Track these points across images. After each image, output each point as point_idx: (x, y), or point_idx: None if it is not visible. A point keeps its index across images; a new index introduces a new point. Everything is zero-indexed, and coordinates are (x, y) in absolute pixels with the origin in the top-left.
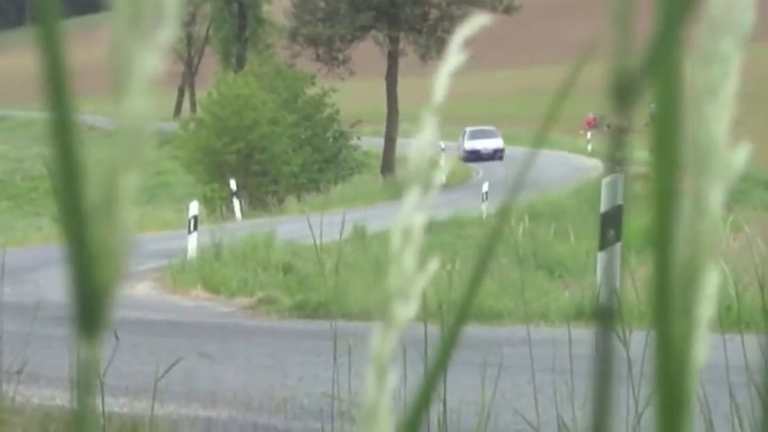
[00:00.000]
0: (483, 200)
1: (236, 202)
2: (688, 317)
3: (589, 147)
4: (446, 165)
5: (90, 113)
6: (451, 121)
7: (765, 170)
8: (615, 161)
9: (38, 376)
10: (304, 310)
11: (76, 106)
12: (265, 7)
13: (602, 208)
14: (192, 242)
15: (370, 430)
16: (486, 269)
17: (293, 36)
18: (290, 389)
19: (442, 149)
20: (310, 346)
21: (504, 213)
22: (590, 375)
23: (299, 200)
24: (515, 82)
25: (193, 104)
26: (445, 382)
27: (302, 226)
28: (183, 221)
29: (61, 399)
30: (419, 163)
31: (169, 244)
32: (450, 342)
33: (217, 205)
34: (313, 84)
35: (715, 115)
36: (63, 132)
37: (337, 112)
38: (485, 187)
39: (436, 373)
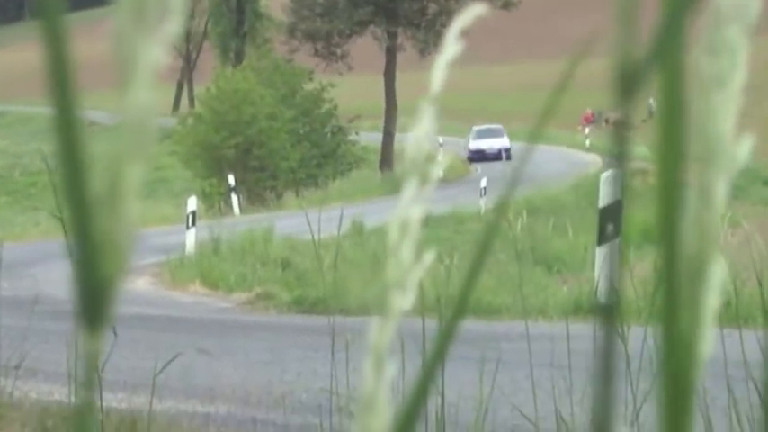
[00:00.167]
0: (481, 195)
1: (234, 198)
2: (694, 309)
3: (587, 142)
4: (443, 159)
5: (90, 109)
6: (451, 116)
7: (764, 166)
8: (616, 155)
9: (36, 371)
10: (302, 305)
11: (80, 100)
12: (263, 2)
13: (601, 203)
14: (191, 237)
15: (369, 421)
16: (483, 263)
17: (291, 31)
18: (289, 384)
19: (440, 144)
20: (309, 341)
21: (501, 208)
22: (591, 371)
23: (297, 195)
24: (513, 77)
25: (192, 99)
26: (443, 376)
27: (300, 221)
28: (181, 217)
29: (59, 394)
30: (417, 154)
31: (167, 239)
32: (447, 335)
33: (215, 200)
34: (311, 79)
35: (722, 106)
36: (67, 126)
37: (335, 107)
38: (483, 182)
39: (433, 365)
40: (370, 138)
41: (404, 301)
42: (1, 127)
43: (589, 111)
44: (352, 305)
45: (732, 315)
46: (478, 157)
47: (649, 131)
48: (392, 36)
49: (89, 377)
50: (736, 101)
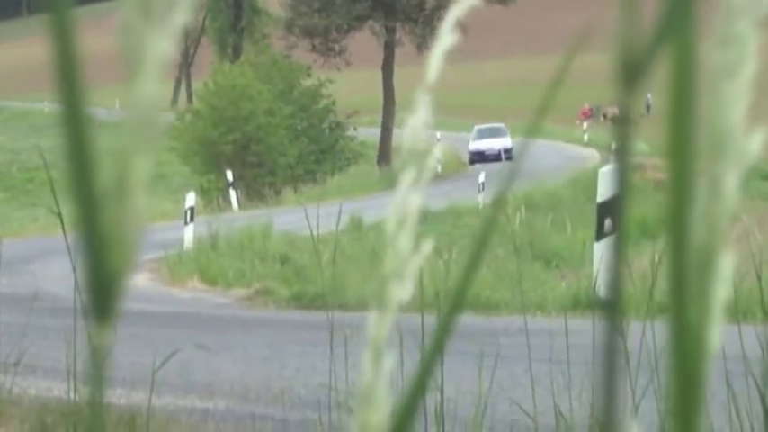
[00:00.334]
0: (480, 190)
1: (232, 193)
2: (703, 301)
3: (585, 137)
4: (439, 153)
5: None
6: (448, 112)
7: (763, 161)
8: (617, 148)
9: (35, 368)
10: (301, 300)
11: (88, 94)
12: None
13: (600, 198)
14: (189, 233)
15: (367, 414)
16: (481, 258)
17: (289, 27)
18: (288, 379)
19: (438, 140)
20: (307, 336)
21: (499, 203)
22: (592, 366)
23: (295, 191)
24: (511, 72)
25: (190, 95)
26: (442, 371)
27: (299, 217)
28: (179, 212)
29: (58, 390)
30: (414, 143)
31: (166, 235)
32: (445, 330)
33: (213, 196)
34: (309, 74)
35: (732, 99)
36: (74, 121)
37: (333, 102)
38: (481, 177)
39: (432, 360)
40: (368, 133)
41: (402, 292)
42: None
43: (587, 105)
44: (351, 300)
45: (731, 309)
46: (478, 158)
47: (647, 127)
48: (390, 31)
49: (97, 371)
50: (747, 93)
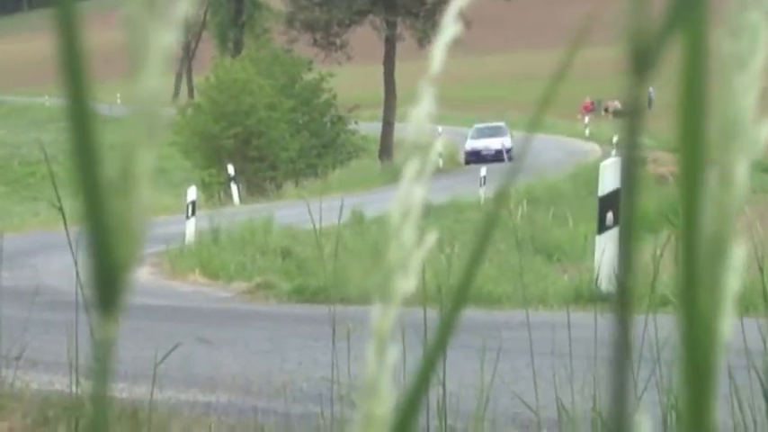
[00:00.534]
0: (481, 184)
1: (233, 188)
2: (714, 291)
3: (586, 131)
4: (440, 147)
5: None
6: (450, 106)
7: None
8: (626, 140)
9: (36, 362)
10: (302, 294)
11: (93, 88)
12: None
13: (601, 192)
14: (190, 227)
15: (371, 406)
16: (484, 252)
17: (290, 21)
18: (289, 373)
19: (439, 134)
20: (309, 330)
21: (501, 197)
22: (597, 360)
23: (296, 185)
24: (512, 66)
25: (191, 89)
26: (445, 365)
27: (300, 211)
28: (180, 206)
29: (60, 384)
30: (417, 136)
31: (167, 229)
32: (449, 324)
33: (215, 190)
34: (310, 69)
35: (743, 88)
36: (79, 114)
37: (335, 96)
38: (482, 172)
39: (435, 354)
40: (369, 127)
41: (406, 284)
42: None
43: (588, 99)
44: (353, 294)
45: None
46: (474, 158)
47: (649, 121)
48: (391, 26)
49: (103, 365)
50: (758, 83)
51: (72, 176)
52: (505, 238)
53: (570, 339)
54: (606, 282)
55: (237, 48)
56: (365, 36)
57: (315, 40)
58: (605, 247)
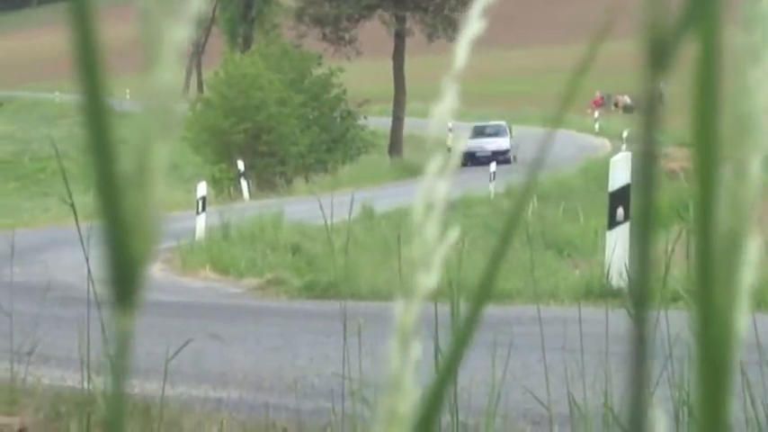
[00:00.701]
0: (491, 179)
1: (243, 183)
2: (730, 286)
3: (596, 126)
4: (450, 142)
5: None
6: (465, 102)
7: None
8: (643, 132)
9: (48, 357)
10: (313, 290)
11: (108, 83)
12: None
13: (611, 187)
14: (201, 223)
15: (394, 402)
16: (507, 248)
17: (300, 16)
18: (300, 369)
19: (450, 129)
20: (320, 326)
21: (523, 194)
22: (624, 356)
23: (306, 180)
24: (525, 61)
25: (200, 84)
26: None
27: (310, 207)
28: (191, 202)
29: (72, 380)
30: (439, 132)
31: (177, 225)
32: (473, 320)
33: (225, 186)
34: (320, 64)
35: (757, 82)
36: (94, 108)
37: (344, 91)
38: (492, 167)
39: (459, 350)
40: (379, 122)
41: (429, 280)
42: (8, 113)
43: (598, 94)
44: (364, 290)
45: None
46: (467, 159)
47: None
48: (400, 20)
49: (121, 360)
50: None
51: (87, 172)
52: (516, 234)
53: (581, 335)
54: (617, 277)
55: (247, 43)
56: (374, 31)
57: (324, 35)
58: (616, 243)
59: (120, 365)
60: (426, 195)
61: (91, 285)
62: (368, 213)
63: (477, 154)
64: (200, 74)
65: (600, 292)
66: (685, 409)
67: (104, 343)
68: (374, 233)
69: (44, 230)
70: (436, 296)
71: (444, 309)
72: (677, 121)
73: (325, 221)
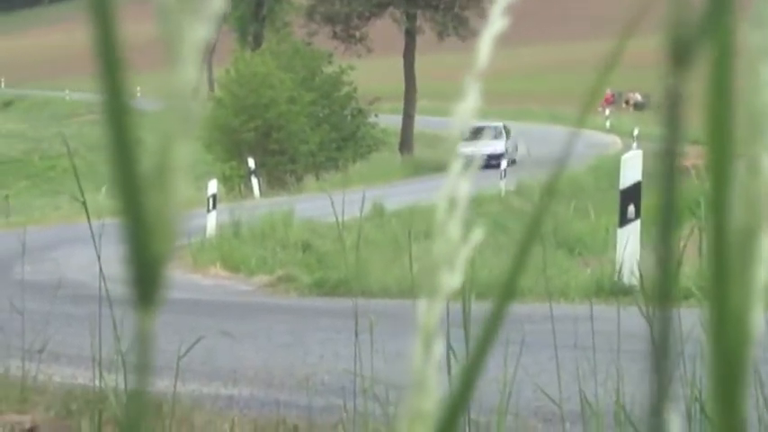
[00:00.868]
0: (501, 177)
1: (254, 181)
2: (744, 283)
3: (607, 123)
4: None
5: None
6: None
7: None
8: (667, 130)
9: (59, 355)
10: (323, 287)
11: (129, 80)
12: None
13: (622, 185)
14: (212, 221)
15: (418, 401)
16: (531, 247)
17: (310, 14)
18: (311, 366)
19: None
20: (330, 323)
21: (547, 192)
22: (647, 355)
23: (317, 178)
24: (536, 58)
25: (211, 83)
26: (468, 359)
27: (320, 204)
28: (201, 200)
29: (83, 377)
30: (461, 132)
31: (188, 222)
32: (498, 318)
33: (235, 184)
34: (330, 62)
35: None
36: (116, 106)
37: (355, 89)
38: (503, 164)
39: (485, 347)
40: (389, 120)
41: (452, 279)
42: (19, 111)
43: (609, 92)
44: (374, 287)
45: None
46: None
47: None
48: (411, 18)
49: (143, 358)
50: None
51: (109, 171)
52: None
53: (593, 332)
54: (628, 274)
55: (258, 41)
56: (385, 29)
57: (335, 33)
58: (627, 240)
59: (142, 364)
60: (449, 194)
61: (102, 283)
62: (378, 211)
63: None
64: (210, 72)
65: (611, 290)
66: (697, 406)
67: (116, 340)
68: (385, 231)
69: (55, 228)
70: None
71: (455, 307)
72: (690, 118)
73: (337, 219)
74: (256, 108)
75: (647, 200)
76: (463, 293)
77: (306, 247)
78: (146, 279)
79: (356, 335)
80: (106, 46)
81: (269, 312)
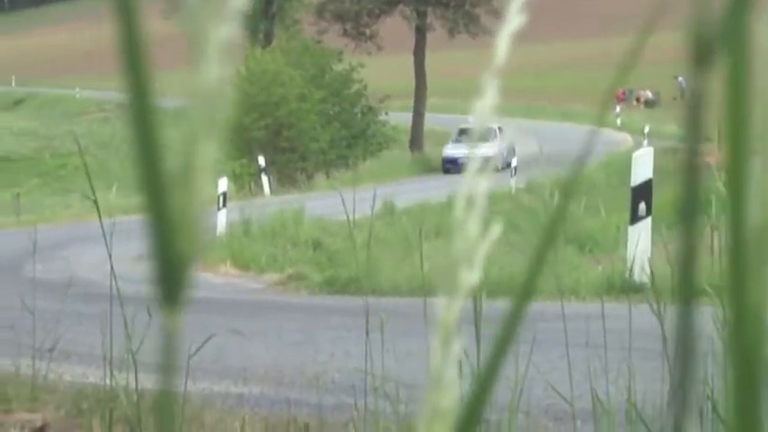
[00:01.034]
0: (512, 175)
1: (264, 179)
2: (763, 280)
3: (618, 121)
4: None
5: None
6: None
7: None
8: (687, 131)
9: (69, 354)
10: (334, 285)
11: (153, 78)
12: None
13: (633, 182)
14: (222, 219)
15: (437, 399)
16: (551, 246)
17: (320, 12)
18: (322, 364)
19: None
20: (341, 321)
21: (567, 190)
22: (672, 354)
23: (327, 176)
24: (545, 56)
25: None
26: (478, 356)
27: (331, 202)
28: (212, 198)
29: (94, 376)
30: (481, 128)
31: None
32: (517, 316)
33: (245, 181)
34: (340, 59)
35: None
36: (140, 105)
37: (365, 87)
38: (513, 162)
39: (505, 345)
40: (399, 118)
41: (471, 276)
42: (30, 109)
43: (620, 89)
44: (384, 285)
45: None
46: (452, 167)
47: (682, 111)
48: (421, 15)
49: (168, 358)
50: None
51: (134, 170)
52: (537, 229)
53: (605, 330)
54: (639, 272)
55: (268, 39)
56: (395, 26)
57: (345, 31)
58: (638, 238)
59: (167, 364)
60: (468, 191)
61: (113, 282)
62: (389, 209)
63: (461, 161)
64: None
65: (622, 288)
66: (709, 404)
67: (127, 339)
68: (395, 229)
69: (66, 227)
70: None
71: (465, 304)
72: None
73: (348, 217)
74: (267, 106)
75: (658, 197)
76: (474, 292)
77: (316, 245)
78: (171, 278)
79: (367, 333)
80: (130, 44)
81: (279, 311)
